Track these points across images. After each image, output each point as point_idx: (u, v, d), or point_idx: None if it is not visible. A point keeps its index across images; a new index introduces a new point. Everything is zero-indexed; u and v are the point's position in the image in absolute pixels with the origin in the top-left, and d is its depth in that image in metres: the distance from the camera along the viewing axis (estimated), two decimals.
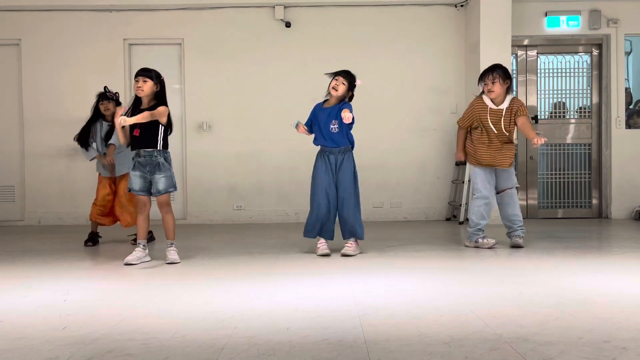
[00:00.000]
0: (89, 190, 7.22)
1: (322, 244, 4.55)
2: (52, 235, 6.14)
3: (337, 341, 2.27)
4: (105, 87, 5.26)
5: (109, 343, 2.29)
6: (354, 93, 4.62)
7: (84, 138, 5.20)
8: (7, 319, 2.69)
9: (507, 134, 4.80)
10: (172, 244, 4.33)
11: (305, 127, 4.59)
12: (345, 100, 4.55)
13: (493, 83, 4.70)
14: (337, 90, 4.46)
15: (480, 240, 4.81)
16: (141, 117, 4.13)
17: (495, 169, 4.85)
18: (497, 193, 4.89)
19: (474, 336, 2.30)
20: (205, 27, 7.28)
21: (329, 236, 4.60)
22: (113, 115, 5.09)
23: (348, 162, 4.53)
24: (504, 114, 4.74)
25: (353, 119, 4.34)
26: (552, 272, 3.68)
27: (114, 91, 5.28)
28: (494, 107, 4.76)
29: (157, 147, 4.25)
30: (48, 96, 7.26)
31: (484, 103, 4.79)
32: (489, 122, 4.75)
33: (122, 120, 4.07)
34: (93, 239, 5.26)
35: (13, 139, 7.36)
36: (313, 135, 4.66)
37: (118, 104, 5.22)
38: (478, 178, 4.83)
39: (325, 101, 4.63)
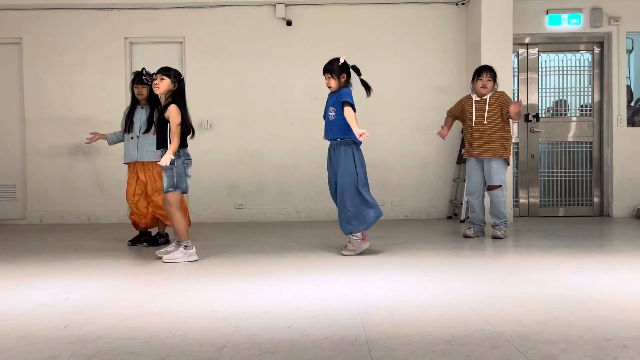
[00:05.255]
0: (91, 188, 7.26)
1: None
2: (54, 233, 6.15)
3: (338, 339, 2.27)
4: (143, 69, 5.02)
5: (111, 341, 2.29)
6: (350, 72, 4.50)
7: (127, 123, 5.00)
8: (8, 318, 2.69)
9: (487, 124, 5.18)
10: (179, 242, 4.32)
11: None
12: (342, 87, 4.49)
13: (489, 80, 5.19)
14: (331, 87, 4.52)
15: (467, 230, 5.39)
16: (174, 149, 4.23)
17: (483, 163, 5.30)
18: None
19: (475, 334, 2.30)
20: (206, 26, 7.29)
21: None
22: (146, 100, 5.01)
23: (344, 156, 4.48)
24: (488, 104, 5.19)
25: (353, 106, 4.37)
26: (553, 271, 3.68)
27: (151, 73, 4.89)
28: (477, 98, 5.26)
29: (166, 147, 4.29)
30: (49, 95, 7.27)
31: (470, 96, 5.31)
32: (473, 112, 5.26)
33: (165, 161, 4.18)
34: (137, 239, 5.14)
35: (14, 138, 7.37)
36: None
37: (151, 88, 4.92)
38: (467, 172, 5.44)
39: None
